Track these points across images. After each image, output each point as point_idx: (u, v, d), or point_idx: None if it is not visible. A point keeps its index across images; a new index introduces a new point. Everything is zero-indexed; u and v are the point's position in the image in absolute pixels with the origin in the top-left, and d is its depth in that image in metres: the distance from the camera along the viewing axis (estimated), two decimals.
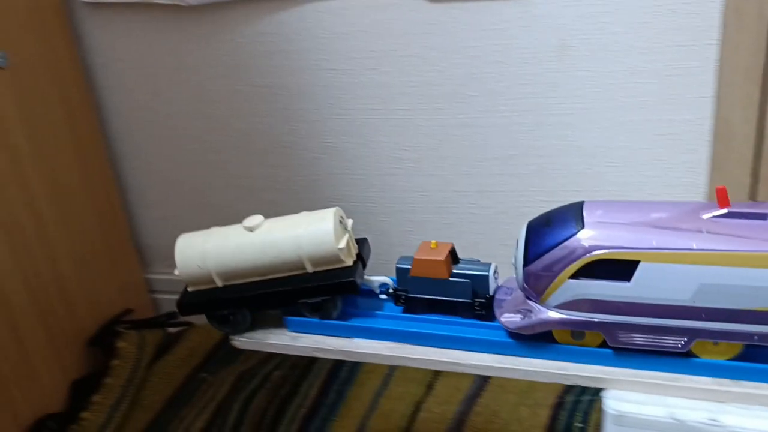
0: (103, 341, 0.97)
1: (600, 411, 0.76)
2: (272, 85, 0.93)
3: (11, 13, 0.85)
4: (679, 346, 0.48)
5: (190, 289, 0.58)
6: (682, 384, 0.48)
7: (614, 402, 0.48)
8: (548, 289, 0.49)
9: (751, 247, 0.45)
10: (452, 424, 0.80)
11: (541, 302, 0.50)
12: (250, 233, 0.55)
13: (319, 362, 0.92)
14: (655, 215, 0.48)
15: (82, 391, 0.92)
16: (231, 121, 0.97)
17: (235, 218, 0.63)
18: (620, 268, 0.47)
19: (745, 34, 0.75)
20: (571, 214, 0.49)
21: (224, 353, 0.99)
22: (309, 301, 0.55)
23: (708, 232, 0.46)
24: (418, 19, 0.84)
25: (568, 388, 0.80)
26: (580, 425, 0.77)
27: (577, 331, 0.50)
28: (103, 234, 1.01)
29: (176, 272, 0.57)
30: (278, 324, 0.58)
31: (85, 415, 0.90)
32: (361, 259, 0.57)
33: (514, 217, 0.90)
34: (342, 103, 0.91)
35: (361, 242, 0.59)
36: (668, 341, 0.48)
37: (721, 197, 0.47)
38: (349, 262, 0.55)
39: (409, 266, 0.55)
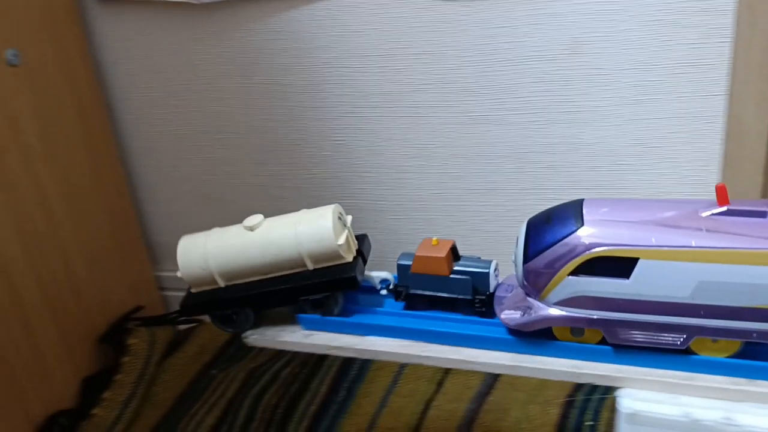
0: (113, 338, 0.97)
1: (610, 409, 0.76)
2: (283, 83, 0.93)
3: (23, 11, 0.85)
4: (678, 343, 0.48)
5: (193, 291, 0.58)
6: (696, 383, 0.48)
7: (628, 401, 0.48)
8: (548, 286, 0.49)
9: (749, 244, 0.45)
10: (462, 422, 0.80)
11: (541, 299, 0.50)
12: (251, 233, 0.56)
13: (328, 359, 0.92)
14: (654, 213, 0.48)
15: (93, 387, 0.92)
16: (241, 119, 0.97)
17: (245, 216, 0.63)
18: (619, 266, 0.47)
19: (758, 30, 0.74)
20: (571, 212, 0.50)
21: (234, 350, 0.99)
22: (310, 298, 0.55)
23: (707, 230, 0.46)
24: (429, 17, 0.84)
25: (579, 387, 0.80)
26: (591, 423, 0.77)
27: (577, 328, 0.50)
28: (113, 232, 1.01)
29: (179, 274, 0.58)
30: (290, 321, 0.59)
31: (96, 411, 0.90)
32: (362, 254, 0.57)
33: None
34: (352, 100, 0.91)
35: (361, 238, 0.59)
36: (667, 338, 0.48)
37: (721, 195, 0.48)
38: (349, 258, 0.56)
39: (410, 263, 0.55)
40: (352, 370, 0.91)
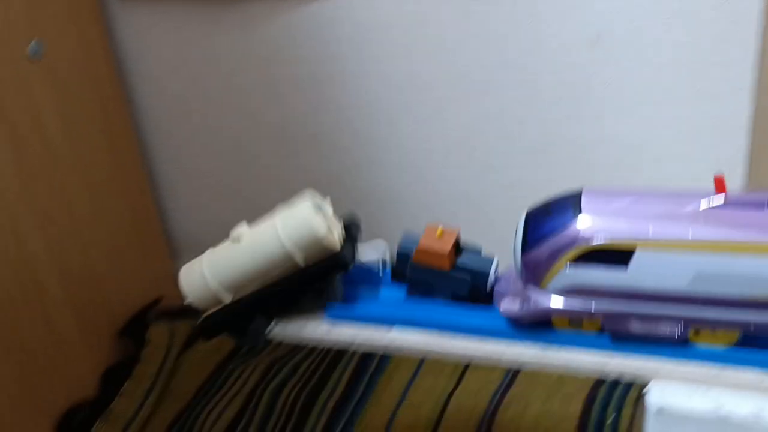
0: (133, 331, 0.98)
1: (633, 404, 0.76)
2: (303, 77, 0.93)
3: (46, 5, 0.86)
4: (676, 333, 0.48)
5: (205, 314, 0.59)
6: (726, 377, 0.48)
7: (657, 394, 0.48)
8: (546, 277, 0.49)
9: (747, 235, 0.45)
10: (482, 417, 0.80)
11: (539, 290, 0.50)
12: (238, 244, 0.57)
13: (348, 353, 0.92)
14: (652, 203, 0.48)
15: (113, 379, 0.93)
16: (261, 112, 0.97)
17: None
18: (617, 256, 0.47)
19: None
20: (570, 202, 0.50)
21: None
22: (308, 289, 0.56)
23: (705, 221, 0.46)
24: (450, 8, 0.83)
25: (600, 382, 0.79)
26: (613, 417, 0.76)
27: (575, 318, 0.50)
28: (134, 226, 1.02)
29: (186, 302, 0.59)
30: (314, 315, 0.58)
31: (116, 402, 0.91)
32: (350, 235, 0.58)
33: None
34: (372, 93, 0.91)
35: (349, 218, 0.59)
36: (665, 329, 0.48)
37: (719, 186, 0.47)
38: (334, 240, 0.56)
39: (411, 250, 0.55)
40: (372, 364, 0.91)
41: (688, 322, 0.47)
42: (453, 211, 0.95)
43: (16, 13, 0.81)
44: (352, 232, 0.58)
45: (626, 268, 0.47)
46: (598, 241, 0.47)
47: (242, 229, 0.57)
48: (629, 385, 0.77)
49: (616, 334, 0.49)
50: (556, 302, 0.49)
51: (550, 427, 0.77)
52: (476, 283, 0.55)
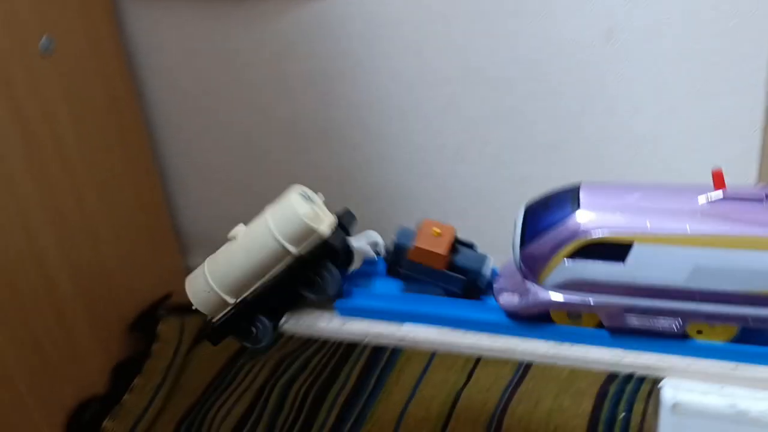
0: (144, 326, 0.98)
1: (644, 400, 0.75)
2: (314, 72, 0.93)
3: (58, 0, 0.86)
4: (675, 328, 0.48)
5: (214, 320, 0.59)
6: (741, 373, 0.47)
7: (671, 391, 0.48)
8: (544, 270, 0.49)
9: (745, 230, 0.45)
10: (493, 412, 0.80)
11: (538, 283, 0.50)
12: (235, 242, 0.57)
13: (358, 347, 0.92)
14: (651, 197, 0.48)
15: (124, 374, 0.93)
16: (272, 108, 0.97)
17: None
18: (615, 250, 0.47)
19: None
20: (568, 196, 0.50)
21: None
22: (303, 280, 0.56)
23: (703, 215, 0.46)
24: (461, 4, 0.83)
25: (612, 377, 0.79)
26: (624, 414, 0.76)
27: (574, 312, 0.50)
28: (144, 220, 1.02)
29: (194, 307, 0.59)
30: (326, 309, 0.59)
31: (126, 397, 0.91)
32: (343, 227, 0.58)
33: None
34: (383, 89, 0.91)
35: (343, 212, 0.60)
36: (663, 323, 0.48)
37: (717, 180, 0.47)
38: (324, 229, 0.56)
39: (406, 246, 0.55)
40: (382, 359, 0.91)
41: (686, 317, 0.47)
42: (464, 207, 0.95)
43: (26, 8, 0.81)
44: (344, 222, 0.58)
45: (624, 262, 0.47)
46: (596, 235, 0.47)
47: (238, 228, 0.57)
48: (641, 381, 0.77)
49: (614, 328, 0.49)
50: (555, 296, 0.49)
51: (561, 422, 0.77)
52: (470, 281, 0.55)
